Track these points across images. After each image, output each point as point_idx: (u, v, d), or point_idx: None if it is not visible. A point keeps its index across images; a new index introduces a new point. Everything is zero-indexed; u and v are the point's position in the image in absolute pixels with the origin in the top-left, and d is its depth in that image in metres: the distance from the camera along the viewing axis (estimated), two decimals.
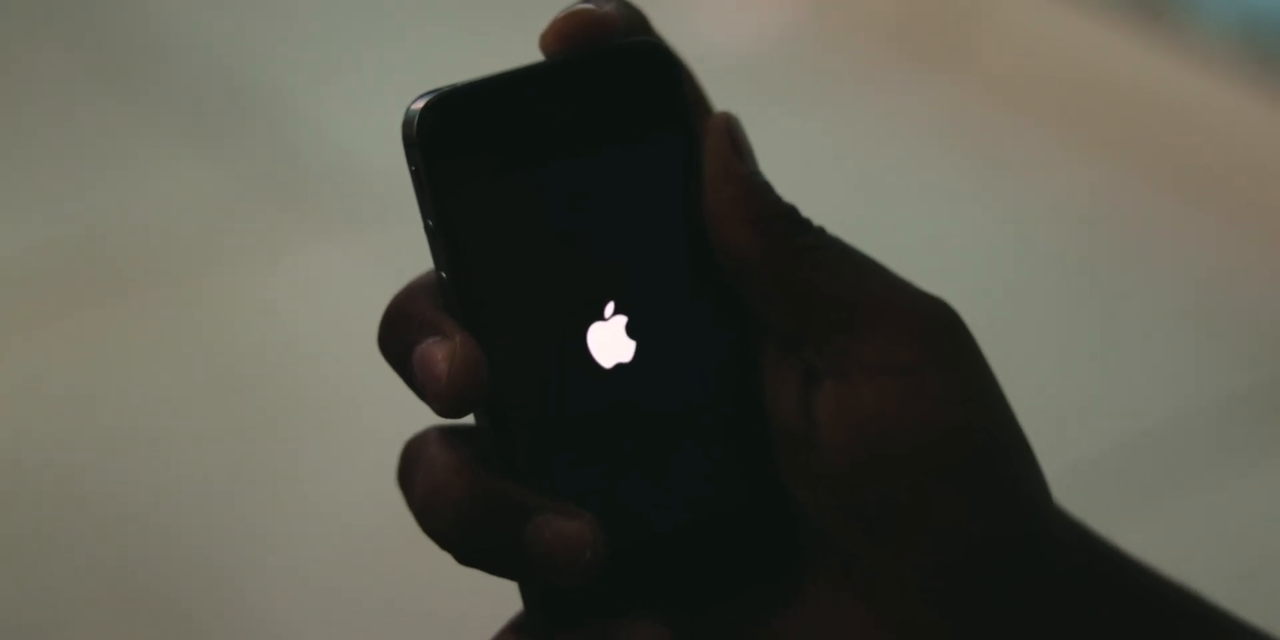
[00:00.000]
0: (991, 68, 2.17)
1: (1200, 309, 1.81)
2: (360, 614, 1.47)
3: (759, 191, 0.50)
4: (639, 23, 0.51)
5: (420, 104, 0.48)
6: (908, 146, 2.02)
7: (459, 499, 0.48)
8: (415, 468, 0.49)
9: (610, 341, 0.50)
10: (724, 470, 0.51)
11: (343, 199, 1.91)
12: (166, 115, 2.06)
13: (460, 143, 0.48)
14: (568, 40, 0.50)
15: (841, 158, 1.92)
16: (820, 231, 0.51)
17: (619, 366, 0.50)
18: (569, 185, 0.49)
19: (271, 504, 1.56)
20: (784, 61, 2.10)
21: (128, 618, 1.47)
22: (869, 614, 0.50)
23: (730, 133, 0.50)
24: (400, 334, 0.49)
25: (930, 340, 0.50)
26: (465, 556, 0.49)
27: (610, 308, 0.50)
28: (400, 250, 1.79)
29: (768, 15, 2.25)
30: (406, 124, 0.48)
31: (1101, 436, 1.58)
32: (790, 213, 0.50)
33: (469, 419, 0.50)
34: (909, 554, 0.49)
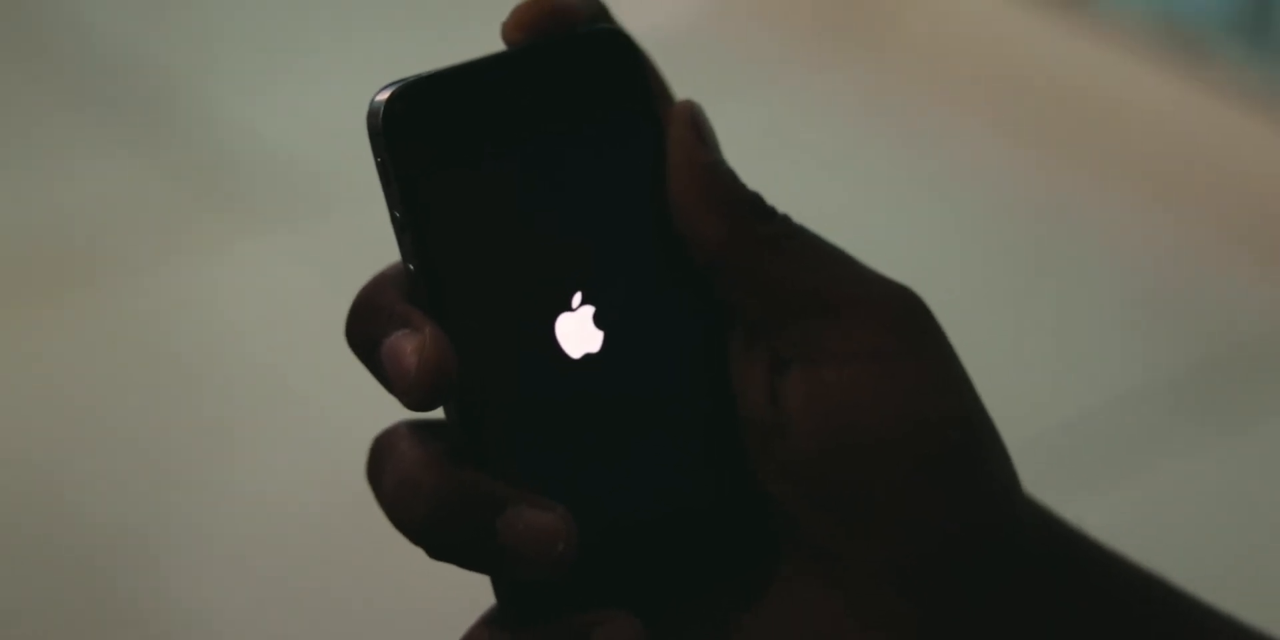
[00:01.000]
0: (916, 48, 2.17)
1: (1128, 291, 1.82)
2: (306, 608, 1.47)
3: (723, 179, 0.50)
4: (600, 11, 0.51)
5: (385, 95, 0.48)
6: (831, 127, 2.02)
7: (429, 493, 0.47)
8: (385, 462, 0.49)
9: (578, 332, 0.50)
10: (694, 462, 0.51)
11: (274, 195, 1.91)
12: (96, 114, 2.05)
13: (425, 133, 0.48)
14: (529, 29, 0.49)
15: (767, 138, 1.91)
16: (785, 219, 0.50)
17: (587, 357, 0.50)
18: (535, 175, 0.49)
19: (212, 498, 1.55)
20: (705, 43, 2.09)
21: (67, 608, 1.46)
22: (840, 606, 0.50)
23: (694, 120, 0.50)
24: (368, 326, 0.49)
25: (900, 328, 0.49)
26: (436, 551, 0.48)
27: (578, 298, 0.50)
28: (332, 245, 1.79)
29: None
30: (372, 115, 0.48)
31: (1038, 420, 1.59)
32: (755, 200, 0.50)
33: (439, 413, 0.49)
34: (881, 546, 0.49)
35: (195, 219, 1.88)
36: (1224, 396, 1.69)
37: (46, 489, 1.56)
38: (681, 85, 0.53)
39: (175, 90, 2.09)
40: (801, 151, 1.95)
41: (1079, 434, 1.61)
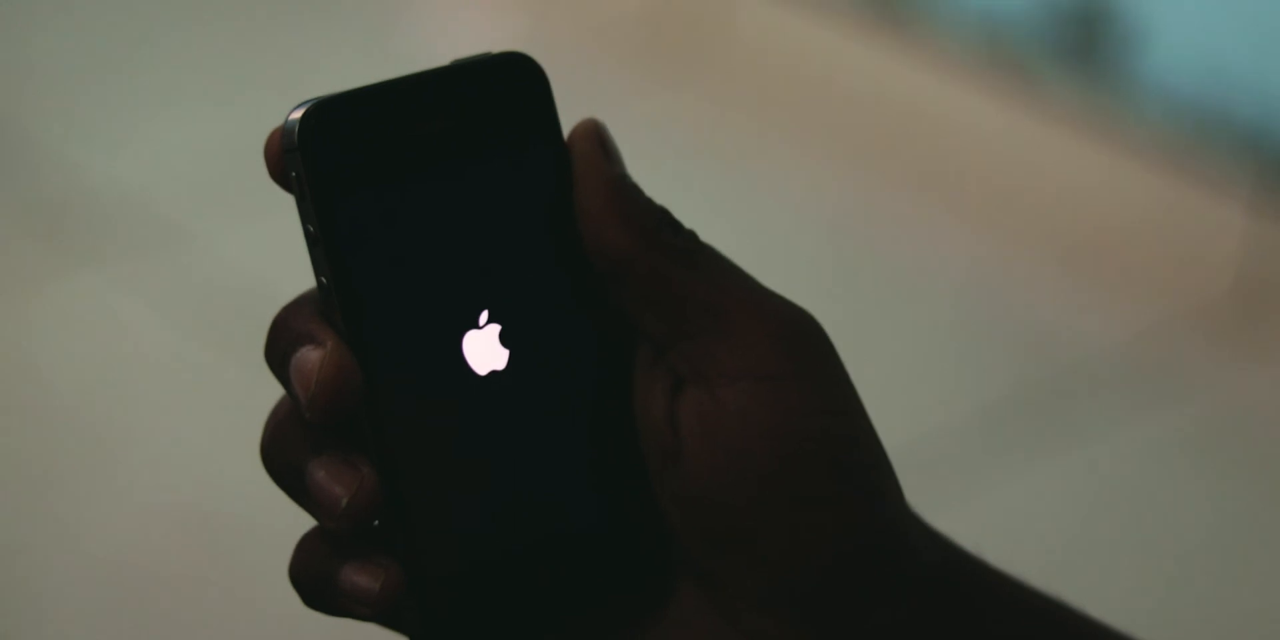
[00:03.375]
0: (742, 70, 2.18)
1: (947, 314, 1.84)
2: None
3: (630, 193, 0.51)
4: None
5: (300, 112, 0.49)
6: (653, 150, 2.03)
7: (266, 439, 0.50)
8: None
9: (485, 349, 0.51)
10: (591, 483, 0.51)
11: (95, 232, 1.89)
12: None
13: (339, 149, 0.49)
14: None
15: None
16: (693, 235, 0.51)
17: (493, 374, 0.51)
18: (446, 193, 0.50)
19: (30, 542, 1.53)
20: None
21: None
22: (730, 633, 0.50)
23: (599, 136, 0.51)
24: (279, 343, 0.50)
25: (794, 348, 0.50)
26: (274, 479, 0.51)
27: (485, 315, 0.51)
28: (154, 279, 1.77)
29: (496, 20, 2.26)
30: (287, 132, 0.49)
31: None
32: (663, 214, 0.51)
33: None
34: (769, 572, 0.49)
35: (13, 256, 1.85)
36: (1041, 421, 1.71)
37: None
38: None
39: (5, 124, 2.07)
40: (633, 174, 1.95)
41: (908, 457, 1.63)
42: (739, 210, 1.95)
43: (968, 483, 1.62)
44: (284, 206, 0.52)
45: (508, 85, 0.51)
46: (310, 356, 0.49)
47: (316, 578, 0.50)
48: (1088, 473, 1.65)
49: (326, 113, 0.49)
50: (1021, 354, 1.79)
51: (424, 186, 0.50)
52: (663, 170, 1.98)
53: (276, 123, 0.50)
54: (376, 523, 0.50)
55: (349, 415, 0.49)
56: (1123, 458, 1.67)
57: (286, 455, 0.50)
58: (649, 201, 0.51)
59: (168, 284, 1.75)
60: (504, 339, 0.51)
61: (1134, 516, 1.61)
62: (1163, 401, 1.73)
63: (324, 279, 0.49)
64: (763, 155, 2.05)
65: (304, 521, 0.51)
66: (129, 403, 1.66)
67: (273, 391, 0.50)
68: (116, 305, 1.78)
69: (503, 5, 2.33)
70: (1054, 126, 2.04)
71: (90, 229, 1.89)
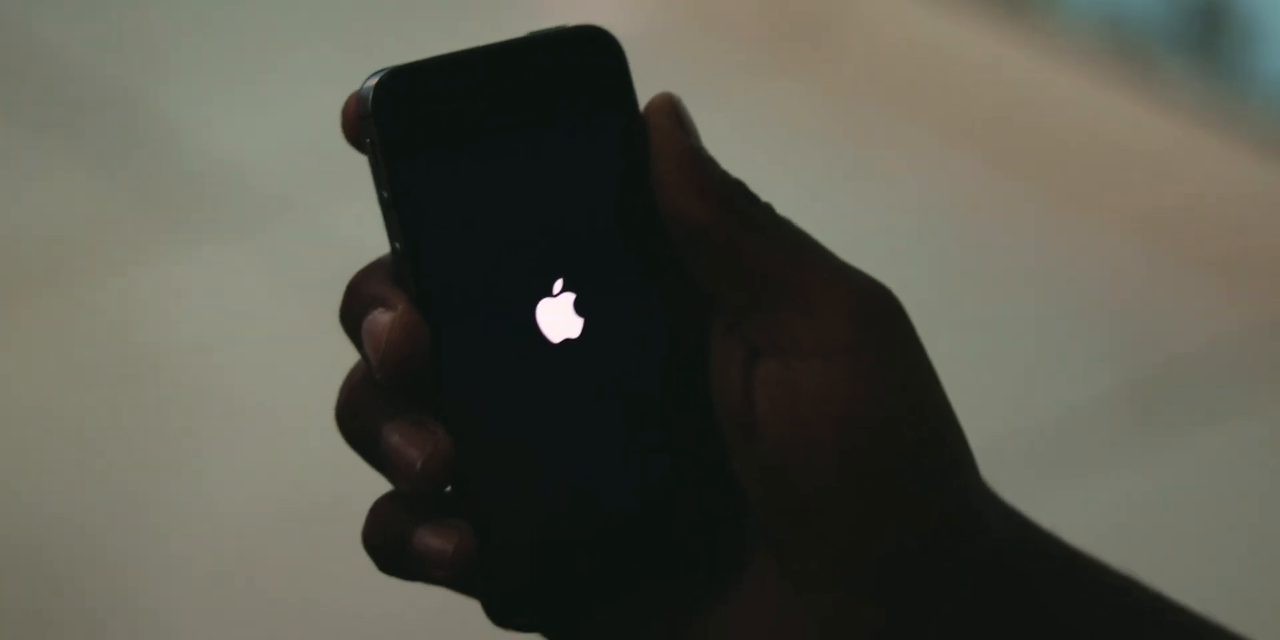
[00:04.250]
0: (863, 57, 2.18)
1: (1069, 301, 1.83)
2: (266, 615, 1.47)
3: (706, 165, 0.51)
4: None
5: (375, 79, 0.49)
6: (780, 135, 2.03)
7: (343, 400, 0.51)
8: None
9: (559, 317, 0.51)
10: (666, 453, 0.51)
11: (224, 206, 1.90)
12: (47, 125, 2.04)
13: (414, 115, 0.49)
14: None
15: (715, 148, 1.91)
16: (769, 208, 0.51)
17: (567, 342, 0.51)
18: (520, 161, 0.50)
19: (170, 506, 1.55)
20: (652, 53, 2.10)
21: (25, 616, 1.46)
22: (801, 607, 0.50)
23: (674, 109, 0.51)
24: (353, 306, 0.50)
25: (871, 322, 0.50)
26: (349, 442, 0.51)
27: (559, 284, 0.51)
28: (285, 255, 1.79)
29: (620, 5, 2.26)
30: (362, 98, 0.49)
31: (984, 431, 1.59)
32: (740, 186, 0.51)
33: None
34: (840, 549, 0.49)
35: (144, 230, 1.87)
36: (1164, 409, 1.69)
37: (3, 500, 1.55)
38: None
39: (128, 101, 2.09)
40: (749, 161, 1.95)
41: (1022, 446, 1.62)
42: (856, 198, 1.94)
43: (1080, 472, 1.61)
44: None
45: (583, 57, 0.51)
46: (381, 319, 0.49)
47: (391, 541, 0.50)
48: (1205, 467, 1.64)
49: (402, 80, 0.49)
50: (1135, 346, 1.78)
51: (498, 155, 0.50)
52: (781, 155, 2.00)
53: None
54: (449, 489, 0.50)
55: (422, 381, 0.49)
56: (1240, 452, 1.65)
57: (361, 418, 0.50)
58: (725, 173, 0.51)
59: (283, 257, 1.76)
60: (578, 307, 0.51)
61: (1246, 514, 1.60)
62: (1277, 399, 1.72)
63: (397, 244, 0.50)
64: (882, 144, 2.04)
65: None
66: (242, 375, 1.68)
67: None
68: (233, 279, 1.80)
69: None
70: (1174, 119, 2.03)
71: (209, 203, 1.91)
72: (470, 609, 0.52)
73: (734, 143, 2.05)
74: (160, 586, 1.48)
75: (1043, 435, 1.64)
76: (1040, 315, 1.81)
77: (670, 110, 0.51)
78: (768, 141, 2.02)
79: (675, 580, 0.51)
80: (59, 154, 1.98)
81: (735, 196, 0.50)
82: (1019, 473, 1.57)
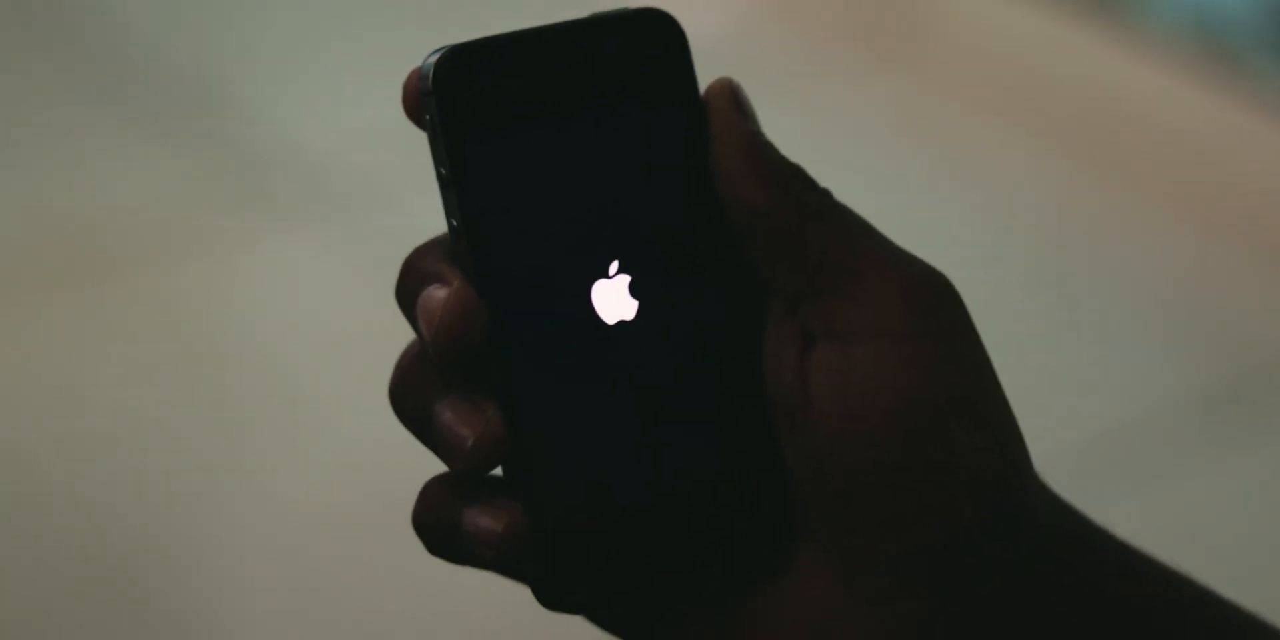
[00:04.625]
0: (950, 59, 2.17)
1: (1158, 303, 1.82)
2: (328, 608, 1.47)
3: (765, 150, 0.51)
4: None
5: (436, 57, 0.49)
6: (865, 137, 2.02)
7: (397, 377, 0.51)
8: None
9: (613, 298, 0.50)
10: (716, 437, 0.51)
11: (301, 192, 1.91)
12: (125, 109, 2.05)
13: (474, 94, 0.49)
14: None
15: (801, 149, 1.91)
16: (827, 193, 0.51)
17: (621, 324, 0.50)
18: (579, 142, 0.50)
19: (236, 497, 1.55)
20: (741, 54, 2.10)
21: (88, 608, 1.47)
22: (846, 593, 0.50)
23: (734, 95, 0.51)
24: (408, 283, 0.50)
25: (926, 309, 0.50)
26: (402, 420, 0.51)
27: (615, 266, 0.50)
28: (358, 242, 1.79)
29: (724, 2, 2.26)
30: (423, 75, 0.49)
31: (1062, 434, 1.59)
32: (798, 171, 0.51)
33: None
34: (887, 536, 0.49)
35: (222, 215, 1.88)
36: (1248, 412, 1.68)
37: (70, 488, 1.56)
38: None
39: (205, 86, 2.10)
40: (835, 162, 1.95)
41: (1102, 448, 1.61)
42: (946, 197, 1.94)
43: (1165, 473, 1.60)
44: None
45: (644, 40, 0.51)
46: (435, 295, 0.49)
47: (440, 521, 0.50)
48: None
49: (462, 58, 0.49)
50: (1225, 349, 1.76)
51: (556, 135, 0.50)
52: (872, 154, 1.99)
53: None
54: (500, 470, 0.50)
55: (475, 359, 0.49)
56: None
57: (413, 396, 0.50)
58: (783, 158, 0.51)
59: (356, 246, 1.77)
60: (634, 290, 0.51)
61: None
62: None
63: (454, 222, 0.49)
64: (973, 143, 2.03)
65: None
66: (326, 359, 1.69)
67: None
68: (305, 268, 1.80)
69: None
70: (1264, 120, 2.01)
71: (298, 189, 1.92)
72: (528, 606, 0.52)
73: (822, 145, 2.05)
74: (225, 583, 1.48)
75: (1117, 440, 1.63)
76: (1126, 318, 1.80)
77: (730, 95, 0.51)
78: (856, 143, 2.01)
79: (722, 563, 0.51)
80: (132, 139, 1.99)
81: (793, 181, 0.50)
82: (1085, 479, 1.56)
